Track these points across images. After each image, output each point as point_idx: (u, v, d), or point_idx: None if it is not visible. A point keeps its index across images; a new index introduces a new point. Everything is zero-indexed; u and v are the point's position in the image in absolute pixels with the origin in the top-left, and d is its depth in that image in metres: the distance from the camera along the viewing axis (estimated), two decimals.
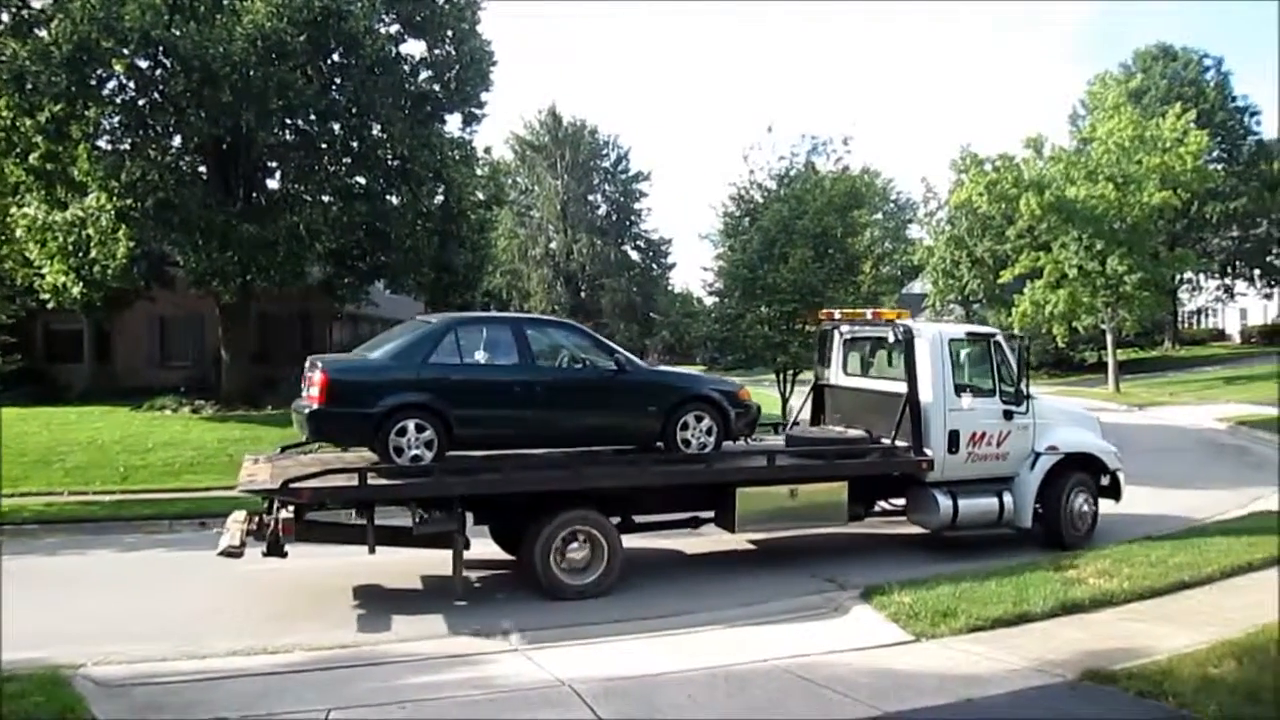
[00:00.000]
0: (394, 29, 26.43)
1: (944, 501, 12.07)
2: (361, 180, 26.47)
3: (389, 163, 26.07)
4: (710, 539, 12.52)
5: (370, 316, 35.30)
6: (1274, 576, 9.98)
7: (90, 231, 23.58)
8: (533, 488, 10.51)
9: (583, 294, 72.45)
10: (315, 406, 9.91)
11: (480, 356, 10.70)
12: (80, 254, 23.94)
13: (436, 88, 27.11)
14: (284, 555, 10.03)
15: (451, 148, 27.25)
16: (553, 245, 72.89)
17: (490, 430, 10.59)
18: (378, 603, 10.11)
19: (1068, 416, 13.83)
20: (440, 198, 27.46)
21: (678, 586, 10.64)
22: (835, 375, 14.05)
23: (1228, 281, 60.25)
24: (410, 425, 9.91)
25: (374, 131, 25.64)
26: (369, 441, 10.19)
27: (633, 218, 76.68)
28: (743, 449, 12.14)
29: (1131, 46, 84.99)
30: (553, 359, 11.12)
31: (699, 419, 11.11)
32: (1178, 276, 51.14)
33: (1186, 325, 64.74)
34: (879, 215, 62.89)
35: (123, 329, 31.71)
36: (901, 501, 12.70)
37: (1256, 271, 58.89)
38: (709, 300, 24.66)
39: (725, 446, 11.36)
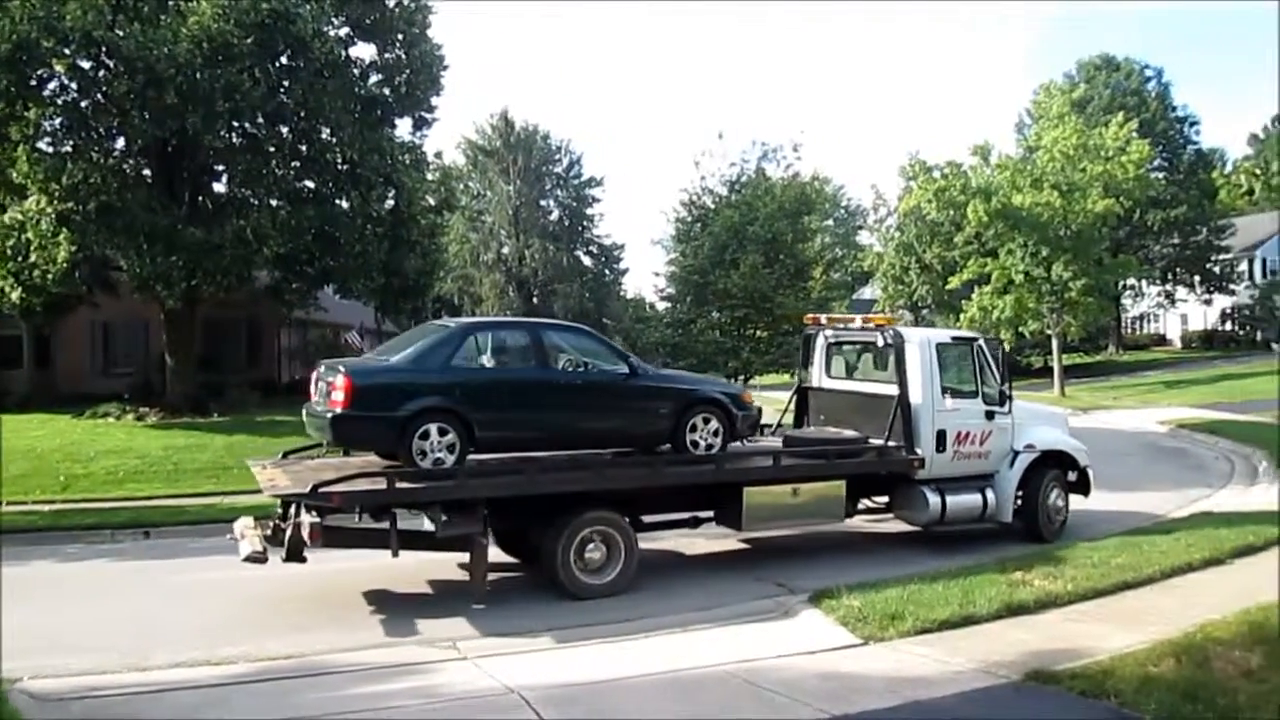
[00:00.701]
0: (343, 32, 26.24)
1: (933, 498, 12.59)
2: (310, 184, 26.18)
3: (338, 166, 25.80)
4: (662, 544, 12.55)
5: (319, 322, 34.93)
6: (1211, 578, 10.20)
7: (30, 235, 23.07)
8: (555, 489, 10.58)
9: (535, 299, 72.17)
10: (338, 411, 9.90)
11: (499, 360, 10.97)
12: (19, 258, 23.41)
13: (386, 91, 26.90)
14: (304, 560, 10.08)
15: (402, 152, 27.04)
16: (505, 250, 72.55)
17: (510, 433, 10.71)
18: (325, 612, 9.98)
19: (1041, 417, 14.56)
20: (390, 202, 27.19)
21: (629, 592, 10.60)
22: (818, 378, 14.40)
23: (1169, 288, 61.53)
24: (433, 429, 9.97)
25: (323, 135, 25.39)
26: (392, 445, 10.22)
27: (585, 223, 76.58)
28: (747, 449, 12.50)
29: (1075, 57, 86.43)
30: (567, 363, 11.30)
31: (706, 421, 11.39)
32: (1121, 283, 52.12)
33: (1129, 330, 66.02)
34: (830, 221, 63.62)
35: (64, 335, 31.04)
36: (884, 499, 13.12)
37: (1196, 278, 60.25)
38: (661, 306, 24.73)
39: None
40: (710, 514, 11.96)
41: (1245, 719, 6.00)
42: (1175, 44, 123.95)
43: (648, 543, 12.41)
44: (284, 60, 24.64)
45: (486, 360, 10.81)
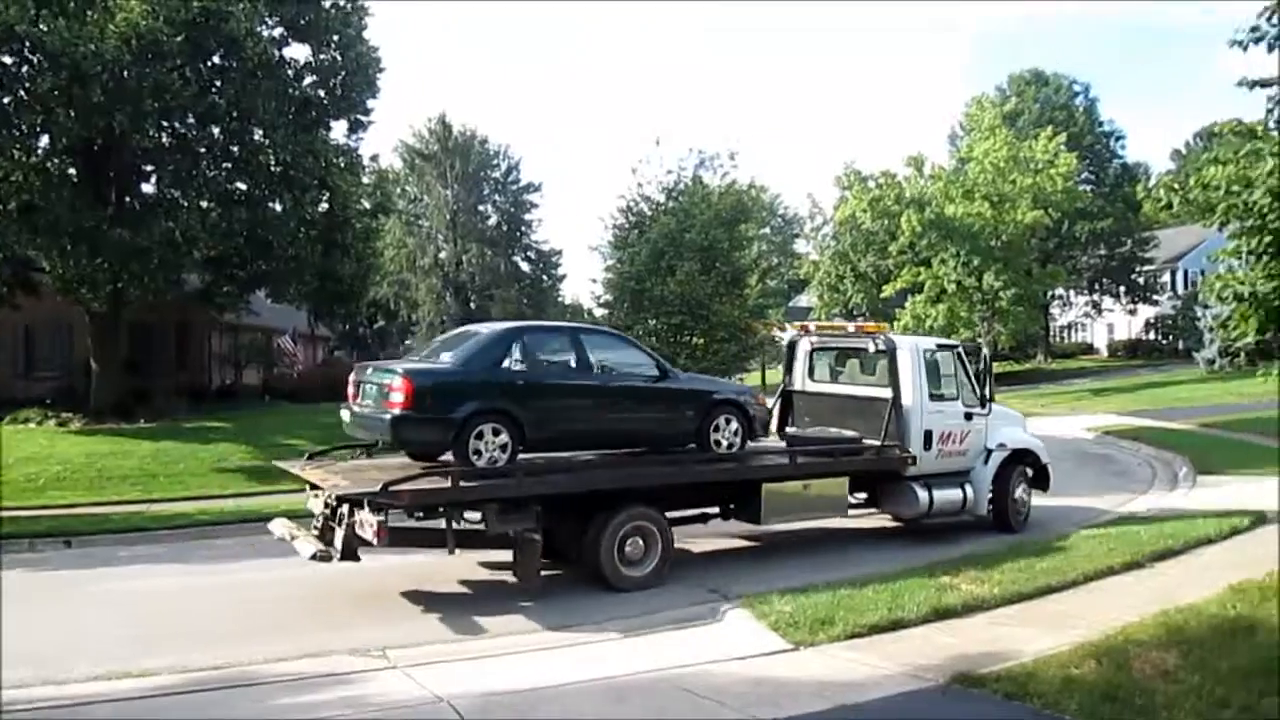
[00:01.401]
0: (277, 32, 25.91)
1: (921, 494, 13.55)
2: (242, 186, 25.74)
3: (271, 168, 25.41)
4: None
5: (251, 326, 34.36)
6: (1130, 581, 10.45)
7: None
8: (601, 486, 11.17)
9: (472, 305, 71.66)
10: (399, 412, 10.22)
11: (544, 363, 11.44)
12: None
13: (321, 93, 26.61)
14: (358, 559, 10.24)
15: (336, 154, 26.72)
16: (442, 255, 71.95)
17: (556, 433, 11.13)
18: (253, 621, 9.80)
19: (1006, 418, 15.46)
20: (324, 205, 26.85)
21: (561, 600, 10.57)
22: (801, 382, 15.20)
23: (1095, 298, 63.06)
24: (487, 429, 10.40)
25: (255, 136, 25.02)
26: (448, 445, 10.57)
27: (523, 229, 76.25)
28: (760, 448, 13.15)
29: (1007, 71, 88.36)
30: (605, 365, 11.83)
31: (728, 421, 12.14)
32: (1049, 292, 53.34)
33: (1058, 339, 67.50)
34: (766, 230, 64.06)
35: None
36: (863, 495, 13.84)
37: (1122, 288, 61.83)
38: (600, 313, 24.70)
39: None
40: (715, 510, 12.64)
41: (1162, 718, 6.13)
42: (1103, 60, 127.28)
43: None
44: (216, 60, 24.31)
45: (533, 363, 11.23)
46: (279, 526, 11.40)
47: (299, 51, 26.83)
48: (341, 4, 26.44)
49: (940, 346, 15.01)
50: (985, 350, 16.71)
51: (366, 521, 9.92)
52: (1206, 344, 43.39)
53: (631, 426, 11.84)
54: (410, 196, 72.88)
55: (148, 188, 26.38)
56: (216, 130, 24.98)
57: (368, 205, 29.99)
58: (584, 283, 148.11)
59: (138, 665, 8.07)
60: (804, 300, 65.90)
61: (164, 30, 21.58)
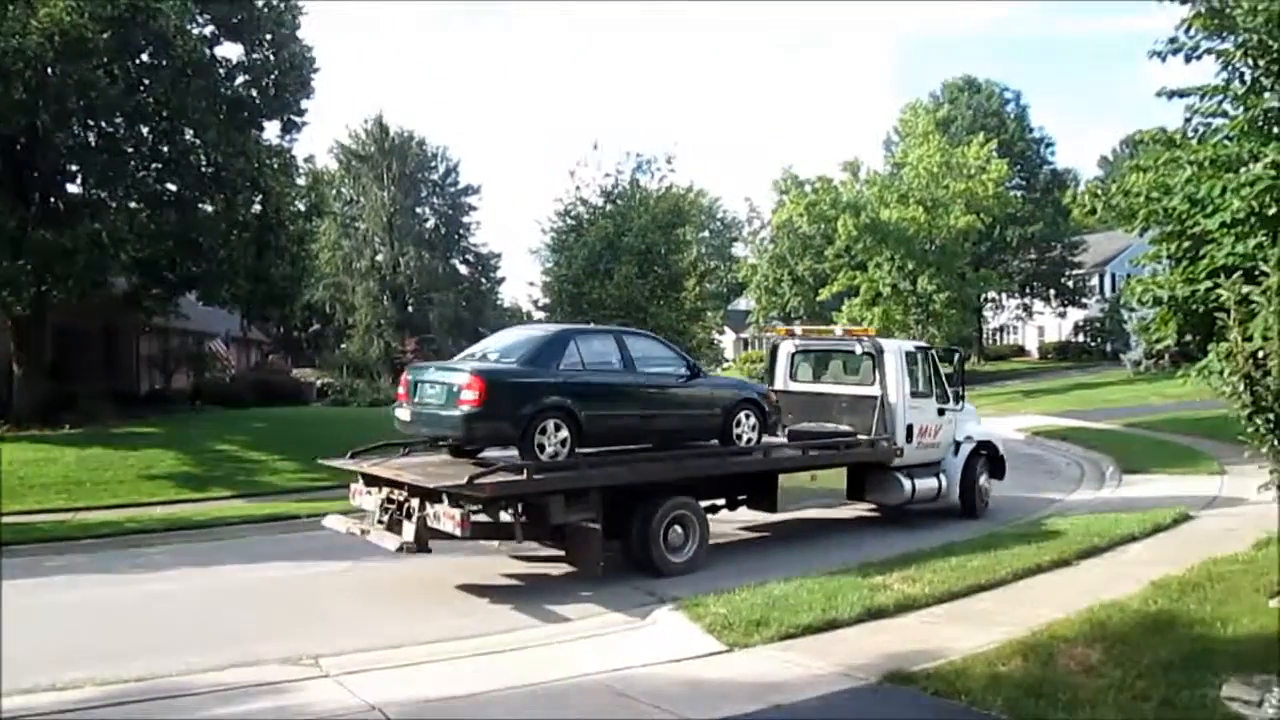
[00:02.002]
0: (208, 30, 25.36)
1: (906, 483, 14.85)
2: (172, 186, 25.21)
3: (202, 169, 24.90)
4: (527, 557, 12.53)
5: (181, 330, 33.65)
6: (1058, 578, 10.66)
7: None
8: (653, 478, 12.00)
9: (410, 308, 71.03)
10: (471, 409, 10.80)
11: (595, 363, 12.11)
12: None
13: (254, 93, 26.10)
14: (429, 550, 10.82)
15: (270, 155, 26.26)
16: (379, 258, 71.18)
17: (607, 428, 11.94)
18: (183, 631, 9.58)
19: (968, 413, 16.62)
20: (257, 207, 26.36)
21: (498, 606, 10.51)
22: (783, 382, 16.21)
23: (1026, 301, 64.38)
24: (550, 425, 11.12)
25: (186, 136, 24.45)
26: (514, 440, 11.23)
27: (462, 231, 75.78)
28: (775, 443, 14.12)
29: (939, 78, 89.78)
30: (646, 365, 12.68)
31: (748, 417, 13.13)
32: (982, 295, 54.28)
33: (990, 341, 68.75)
34: (705, 233, 64.38)
35: None
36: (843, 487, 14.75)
37: (1051, 292, 63.19)
38: (538, 315, 24.59)
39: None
40: (721, 501, 13.52)
41: (1084, 713, 6.26)
42: (1035, 68, 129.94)
43: (506, 559, 12.68)
44: (145, 57, 23.73)
45: (587, 362, 11.98)
46: (337, 522, 11.95)
47: (231, 50, 26.34)
48: (275, 3, 25.97)
49: (917, 349, 16.25)
50: (960, 353, 18.40)
51: (446, 514, 10.41)
52: (1133, 346, 44.56)
53: (669, 423, 12.78)
54: (346, 198, 72.04)
55: (73, 188, 25.66)
56: (145, 129, 24.47)
57: (302, 207, 29.51)
58: (524, 286, 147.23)
59: (59, 679, 7.84)
60: (743, 303, 66.33)
61: (89, 26, 21.02)
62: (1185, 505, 14.92)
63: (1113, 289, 64.87)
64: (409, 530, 10.68)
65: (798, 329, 17.85)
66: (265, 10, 25.57)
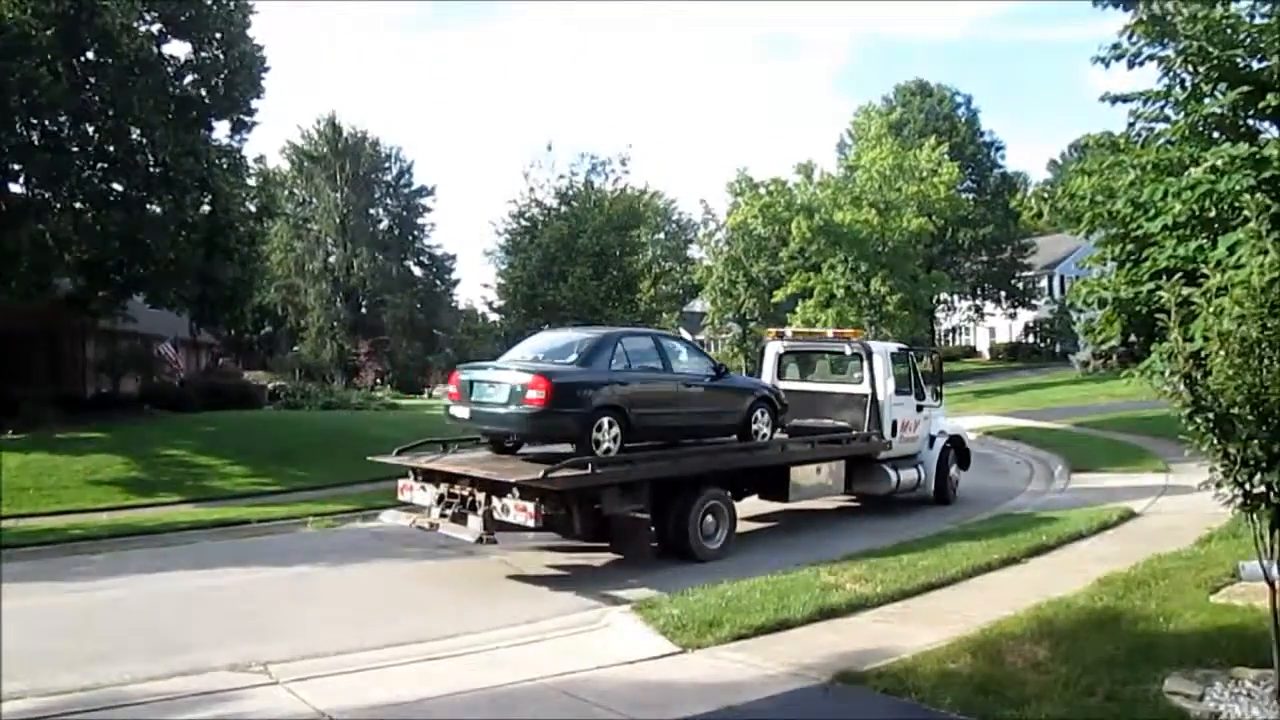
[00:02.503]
0: (155, 28, 25.04)
1: (892, 473, 15.91)
2: (118, 186, 24.83)
3: (149, 169, 24.55)
4: (471, 559, 12.51)
5: (128, 332, 33.04)
6: (1007, 576, 10.80)
7: None
8: (694, 471, 12.80)
9: (363, 310, 70.45)
10: (539, 408, 11.50)
11: (639, 364, 12.97)
12: None
13: (202, 92, 25.83)
14: (495, 542, 11.36)
15: (219, 155, 25.97)
16: (332, 259, 70.53)
17: (651, 425, 12.73)
18: (127, 639, 9.39)
19: (939, 410, 17.76)
20: (206, 207, 26.00)
21: (450, 608, 10.43)
22: (770, 382, 16.66)
23: (978, 302, 65.23)
24: (605, 422, 11.86)
25: (133, 135, 24.11)
26: (574, 437, 11.94)
27: (416, 232, 75.35)
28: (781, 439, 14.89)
29: (892, 82, 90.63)
30: (680, 365, 13.58)
31: (763, 414, 14.12)
32: (934, 297, 54.83)
33: (943, 342, 69.48)
34: (661, 235, 64.45)
35: None
36: None
37: (1002, 293, 64.08)
38: (493, 318, 24.45)
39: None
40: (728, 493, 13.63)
41: (1031, 709, 6.34)
42: (986, 72, 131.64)
43: (453, 561, 12.68)
44: (90, 55, 23.36)
45: (632, 365, 12.83)
46: (394, 516, 12.70)
47: (179, 48, 26.07)
48: (224, 1, 25.70)
49: (900, 349, 17.60)
50: (938, 353, 19.74)
51: (518, 506, 11.08)
52: (1081, 347, 45.26)
53: (700, 420, 13.74)
54: (299, 199, 71.36)
55: (16, 188, 25.16)
56: (90, 128, 24.11)
57: (252, 208, 29.17)
58: (479, 287, 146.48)
59: None
60: (698, 305, 66.45)
61: (31, 23, 20.67)
62: (1131, 503, 15.17)
63: (1062, 291, 65.86)
64: (475, 522, 11.30)
65: (788, 331, 18.95)
66: (214, 8, 25.30)
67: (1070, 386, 43.04)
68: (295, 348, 65.42)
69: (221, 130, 27.04)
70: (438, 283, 76.30)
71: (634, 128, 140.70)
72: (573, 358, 12.55)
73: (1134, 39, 8.89)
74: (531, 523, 11.08)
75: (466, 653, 8.50)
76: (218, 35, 25.49)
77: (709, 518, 12.72)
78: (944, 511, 16.20)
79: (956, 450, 17.58)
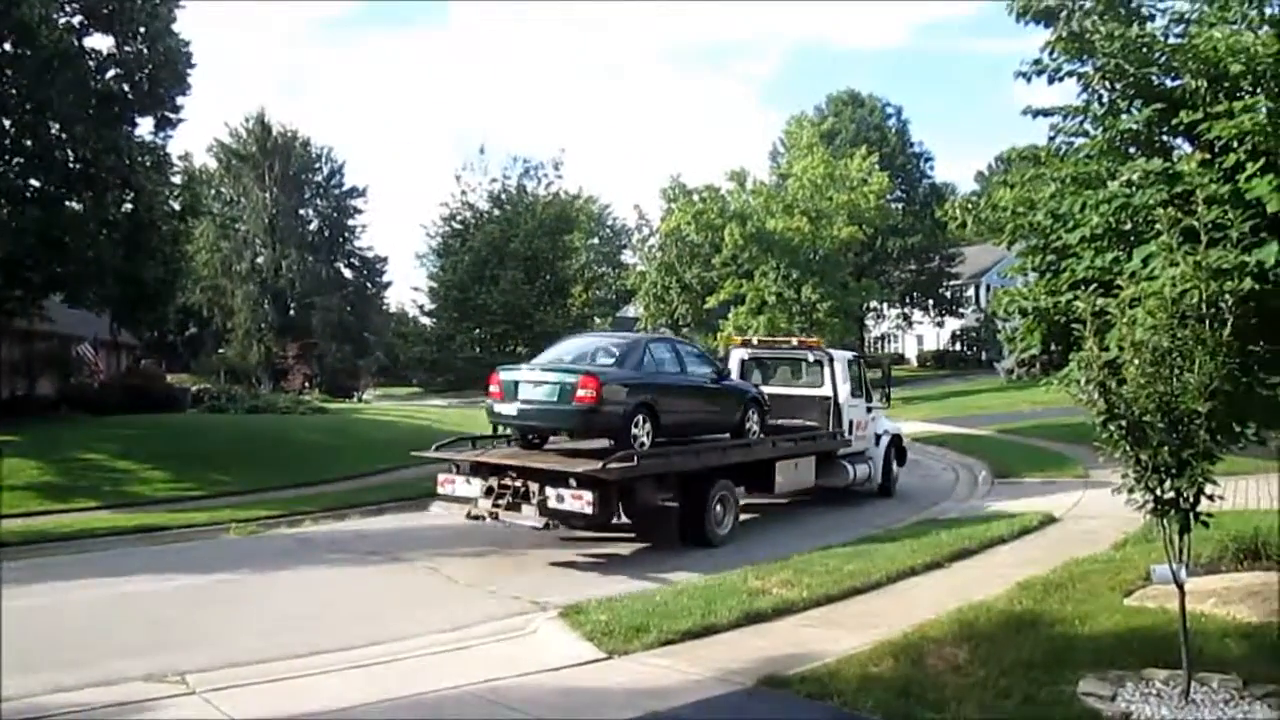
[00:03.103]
0: (76, 20, 24.37)
1: (850, 468, 17.59)
2: (36, 183, 24.10)
3: (69, 165, 23.90)
4: (399, 565, 12.31)
5: (45, 333, 32.09)
6: (931, 581, 10.97)
7: None
8: (709, 464, 14.13)
9: (292, 312, 69.16)
10: (589, 405, 12.66)
11: (664, 367, 14.43)
12: None
13: (125, 87, 25.18)
14: (549, 528, 12.86)
15: (142, 152, 25.33)
16: (260, 260, 69.16)
17: (672, 422, 13.87)
18: (44, 650, 9.09)
19: (881, 411, 19.61)
20: (128, 205, 25.36)
21: (376, 615, 10.28)
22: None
23: (906, 310, 66.22)
24: (641, 418, 13.12)
25: (52, 130, 23.45)
26: (616, 432, 13.01)
27: (346, 234, 74.22)
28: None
29: (824, 91, 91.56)
30: (693, 368, 15.06)
31: (754, 414, 15.66)
32: (864, 305, 55.57)
33: (872, 349, 70.38)
34: (595, 240, 64.32)
35: None
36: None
37: (930, 301, 65.15)
38: (425, 321, 24.13)
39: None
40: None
41: (950, 711, 6.45)
42: (917, 84, 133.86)
43: (379, 566, 12.64)
44: (6, 47, 22.63)
45: (659, 367, 14.30)
46: (444, 508, 13.91)
47: (101, 42, 25.38)
48: None
49: (854, 356, 19.55)
50: (889, 361, 21.59)
51: (574, 495, 12.18)
52: (1006, 355, 46.15)
53: (708, 418, 15.06)
54: (226, 199, 69.94)
55: None
56: (7, 122, 23.33)
57: (176, 206, 28.44)
58: (410, 290, 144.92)
59: None
60: (631, 310, 66.48)
61: None
62: (1052, 508, 15.56)
63: (988, 299, 67.24)
64: (530, 510, 12.47)
65: (754, 339, 21.36)
66: (138, 1, 24.66)
67: (995, 394, 43.91)
68: (221, 350, 64.08)
69: (145, 127, 26.42)
70: (369, 285, 75.26)
71: (569, 133, 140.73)
72: (610, 360, 13.84)
73: (1055, 55, 9.08)
74: (589, 510, 12.08)
75: (390, 660, 8.39)
76: (142, 29, 24.87)
77: (719, 507, 14.07)
78: (891, 504, 18.16)
79: (896, 448, 19.37)
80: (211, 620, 10.13)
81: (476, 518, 13.05)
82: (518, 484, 12.75)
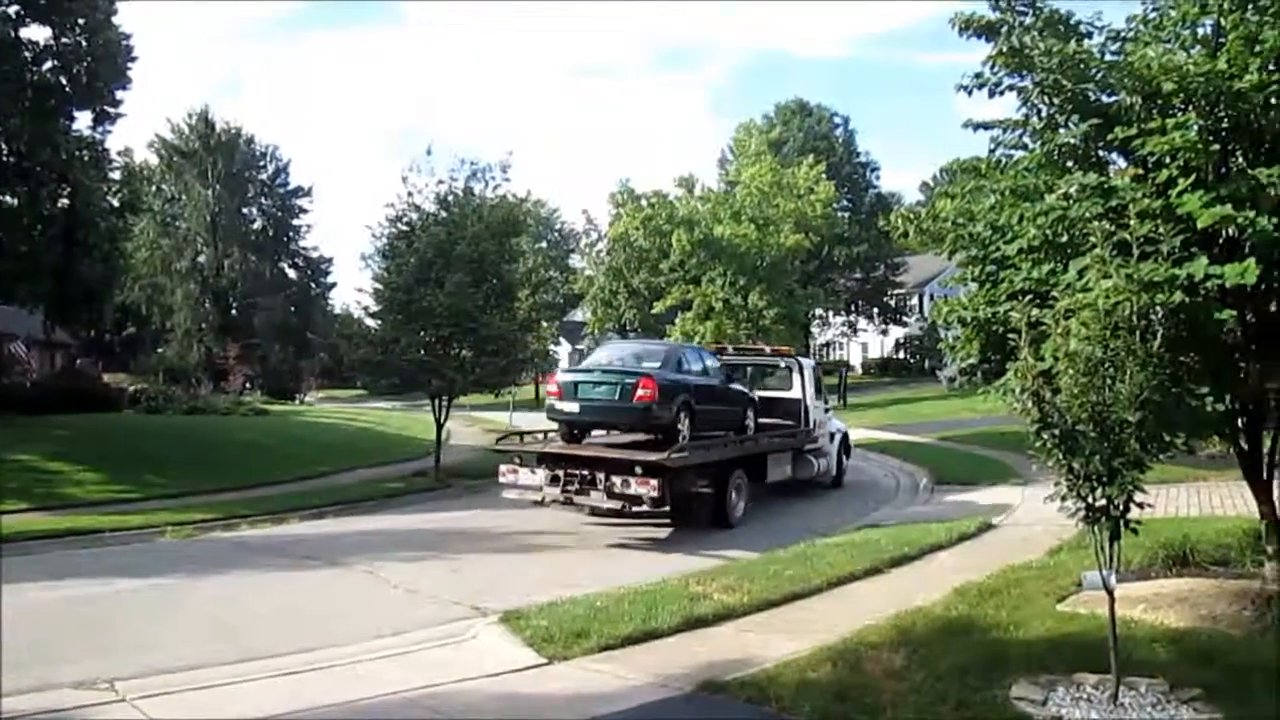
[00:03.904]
0: (13, 10, 23.81)
1: (815, 462, 19.88)
2: None
3: (3, 159, 23.35)
4: (337, 570, 12.15)
5: None
6: (870, 586, 11.06)
7: None
8: (730, 455, 16.38)
9: (234, 312, 68.10)
10: (648, 402, 14.78)
11: (694, 370, 16.66)
12: None
13: (63, 80, 24.67)
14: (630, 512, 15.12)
15: (79, 147, 24.84)
16: (201, 259, 68.02)
17: (702, 419, 15.87)
18: None
19: (831, 412, 22.35)
20: (65, 201, 24.84)
21: (313, 620, 10.14)
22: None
23: (851, 318, 66.88)
24: (683, 415, 15.20)
25: None
26: (666, 426, 15.10)
27: (291, 233, 73.31)
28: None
29: (774, 99, 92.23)
30: (711, 372, 17.31)
31: (751, 413, 17.90)
32: (810, 312, 55.91)
33: (818, 357, 70.95)
34: (543, 244, 64.23)
35: None
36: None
37: (875, 310, 65.88)
38: (370, 323, 23.82)
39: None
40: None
41: (886, 716, 6.50)
42: (864, 95, 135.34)
43: (340, 567, 12.38)
44: None
45: (690, 369, 16.52)
46: (519, 494, 15.56)
47: (38, 33, 24.83)
48: None
49: (816, 363, 22.89)
50: (848, 368, 23.37)
51: (640, 482, 14.10)
52: (948, 363, 46.78)
53: (721, 416, 16.95)
54: (167, 196, 68.67)
55: None
56: None
57: (115, 203, 27.93)
58: (355, 291, 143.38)
59: None
60: (579, 315, 66.40)
61: None
62: (990, 515, 15.77)
63: (931, 308, 68.04)
64: (598, 495, 14.45)
65: (729, 347, 23.60)
66: None
67: (937, 401, 44.44)
68: (159, 349, 62.86)
69: (83, 121, 25.93)
70: (313, 285, 74.38)
71: (518, 136, 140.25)
72: (655, 364, 15.77)
73: (995, 69, 9.19)
74: (654, 494, 13.97)
75: (327, 666, 8.25)
76: (81, 21, 24.43)
77: (734, 493, 16.19)
78: (840, 492, 21.04)
79: (844, 445, 21.93)
80: (144, 626, 9.93)
81: (555, 502, 15.07)
82: (584, 472, 14.56)
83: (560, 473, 14.79)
